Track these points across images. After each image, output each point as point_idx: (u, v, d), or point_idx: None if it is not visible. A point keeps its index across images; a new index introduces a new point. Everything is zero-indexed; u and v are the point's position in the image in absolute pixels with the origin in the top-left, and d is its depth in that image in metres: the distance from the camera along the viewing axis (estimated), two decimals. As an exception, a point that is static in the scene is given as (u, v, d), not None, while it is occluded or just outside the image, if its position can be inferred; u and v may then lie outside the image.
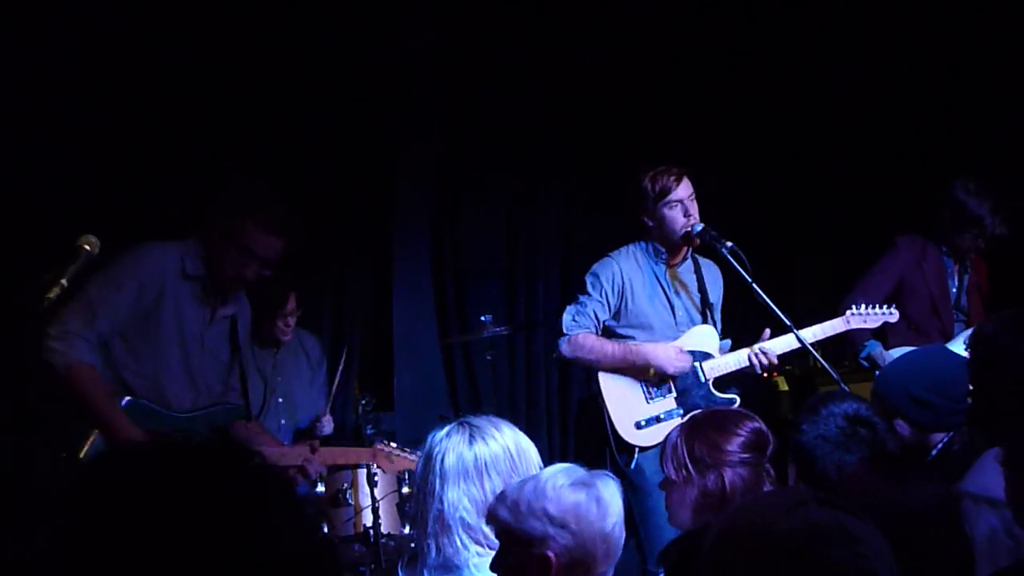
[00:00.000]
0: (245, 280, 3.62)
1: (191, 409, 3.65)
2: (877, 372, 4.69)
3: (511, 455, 2.51)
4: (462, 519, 2.43)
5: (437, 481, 2.48)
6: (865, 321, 4.43)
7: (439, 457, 2.50)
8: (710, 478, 2.76)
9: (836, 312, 4.63)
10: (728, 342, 4.43)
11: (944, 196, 4.82)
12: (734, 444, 2.76)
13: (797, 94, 6.32)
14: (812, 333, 4.31)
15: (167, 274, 3.51)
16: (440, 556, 2.46)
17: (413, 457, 4.05)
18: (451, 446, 2.51)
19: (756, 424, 2.81)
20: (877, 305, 4.47)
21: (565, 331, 4.34)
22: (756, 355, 4.23)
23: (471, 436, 2.52)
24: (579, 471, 2.25)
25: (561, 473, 2.22)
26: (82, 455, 3.33)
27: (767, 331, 4.26)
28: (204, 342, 3.69)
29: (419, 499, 2.55)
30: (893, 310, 4.49)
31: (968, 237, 4.82)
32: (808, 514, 1.34)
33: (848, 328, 4.41)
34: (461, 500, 2.44)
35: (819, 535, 1.32)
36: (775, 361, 4.25)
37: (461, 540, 2.43)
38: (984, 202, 4.71)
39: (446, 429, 2.56)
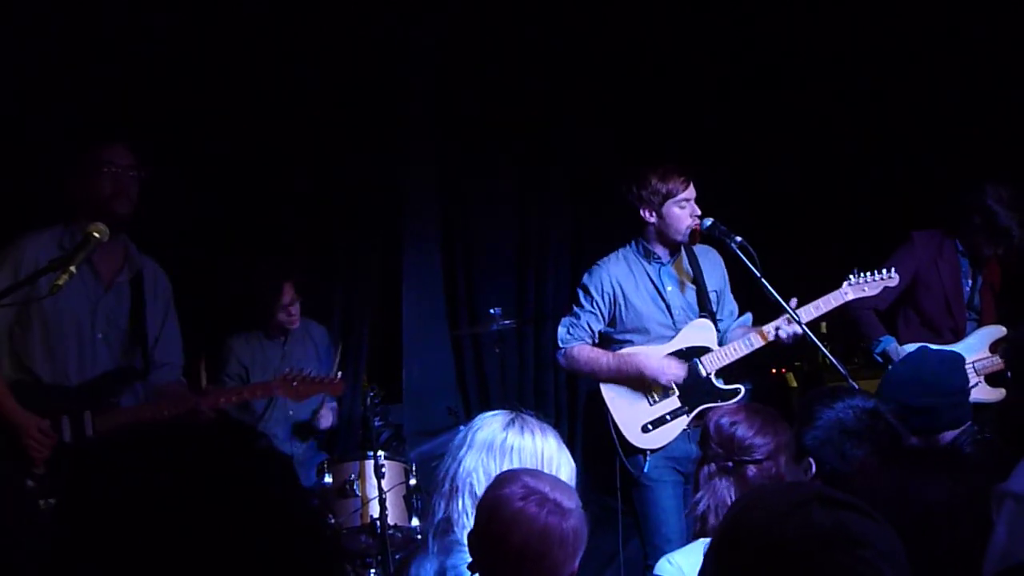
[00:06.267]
0: (124, 194, 3.71)
1: (79, 384, 3.76)
2: (889, 367, 4.68)
3: (540, 458, 2.56)
4: (471, 486, 2.52)
5: (464, 447, 2.61)
6: (864, 289, 4.26)
7: (475, 429, 2.64)
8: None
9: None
10: (749, 316, 4.33)
11: (973, 201, 4.69)
12: (755, 446, 2.76)
13: (811, 84, 6.29)
14: (812, 308, 4.16)
15: (43, 260, 3.56)
16: (444, 515, 2.55)
17: (325, 377, 4.30)
18: (489, 423, 2.63)
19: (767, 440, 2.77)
20: (875, 271, 4.32)
21: (560, 344, 4.32)
22: (778, 329, 4.07)
23: (512, 422, 2.63)
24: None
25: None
26: None
27: (794, 300, 4.09)
28: (98, 313, 3.78)
29: (446, 463, 2.64)
30: (893, 273, 4.31)
31: (991, 244, 4.73)
32: (811, 516, 1.29)
33: (847, 299, 4.24)
34: (476, 468, 2.54)
35: (821, 540, 1.28)
36: (799, 331, 4.05)
37: (464, 506, 2.52)
38: (1014, 214, 4.61)
39: (496, 412, 2.69)
